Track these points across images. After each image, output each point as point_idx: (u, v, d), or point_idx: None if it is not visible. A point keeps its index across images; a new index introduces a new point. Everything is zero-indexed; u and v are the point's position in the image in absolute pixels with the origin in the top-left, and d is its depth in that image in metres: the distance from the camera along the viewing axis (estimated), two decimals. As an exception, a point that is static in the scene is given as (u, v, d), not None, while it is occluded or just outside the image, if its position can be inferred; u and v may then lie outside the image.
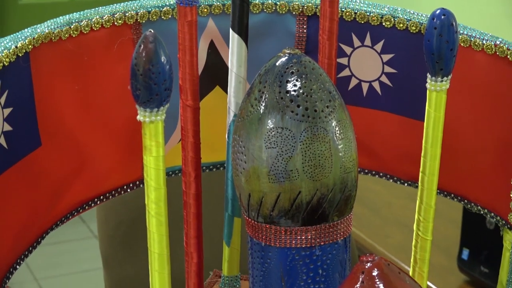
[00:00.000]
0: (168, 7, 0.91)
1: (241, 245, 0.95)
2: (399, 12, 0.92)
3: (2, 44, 0.81)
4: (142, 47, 0.71)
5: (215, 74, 0.95)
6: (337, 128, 0.77)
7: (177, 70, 0.83)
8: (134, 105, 0.74)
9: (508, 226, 0.91)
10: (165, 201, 0.77)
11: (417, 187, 0.89)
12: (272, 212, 0.78)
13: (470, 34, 0.89)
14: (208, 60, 0.95)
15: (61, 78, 0.87)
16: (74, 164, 0.90)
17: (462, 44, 0.89)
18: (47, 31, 0.85)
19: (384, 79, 0.95)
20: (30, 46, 0.83)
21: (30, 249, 0.87)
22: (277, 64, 0.78)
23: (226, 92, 0.91)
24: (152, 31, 0.72)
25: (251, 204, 0.79)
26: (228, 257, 0.95)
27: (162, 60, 0.71)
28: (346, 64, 0.95)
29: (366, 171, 1.00)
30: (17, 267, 0.86)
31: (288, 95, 0.76)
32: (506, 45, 0.87)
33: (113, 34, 0.89)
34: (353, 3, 0.93)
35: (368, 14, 0.93)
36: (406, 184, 0.98)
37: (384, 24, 0.92)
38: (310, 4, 0.94)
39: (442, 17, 0.80)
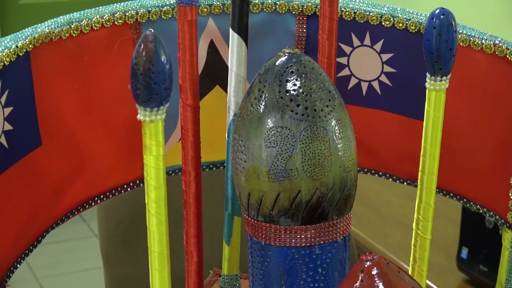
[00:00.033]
0: (168, 7, 0.91)
1: (241, 244, 0.95)
2: (398, 11, 0.92)
3: (3, 43, 0.81)
4: (142, 47, 0.71)
5: (215, 73, 0.95)
6: (336, 128, 0.77)
7: (177, 69, 0.83)
8: (134, 105, 0.74)
9: (507, 225, 0.91)
10: (165, 200, 0.78)
11: (416, 186, 0.89)
12: (271, 211, 0.78)
13: (469, 33, 0.89)
14: (208, 60, 0.95)
15: (62, 78, 0.87)
16: (75, 163, 0.90)
17: (461, 44, 0.89)
18: (47, 30, 0.85)
19: (383, 78, 0.95)
20: (30, 46, 0.83)
21: (31, 248, 0.88)
22: (277, 63, 0.78)
23: (226, 91, 0.91)
24: (152, 30, 0.72)
25: (251, 203, 0.79)
26: (228, 256, 0.95)
27: (162, 60, 0.72)
28: (345, 63, 0.96)
29: (366, 170, 1.00)
30: (18, 266, 0.86)
31: (287, 94, 0.77)
32: (505, 45, 0.87)
33: (113, 34, 0.89)
34: (353, 3, 0.93)
35: (367, 13, 0.93)
36: (405, 183, 0.98)
37: (383, 23, 0.93)
38: (309, 4, 0.95)
39: (442, 16, 0.80)
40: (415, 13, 0.92)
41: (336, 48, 0.91)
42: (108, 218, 1.44)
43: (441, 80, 0.83)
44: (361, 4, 0.93)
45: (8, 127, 0.82)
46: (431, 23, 0.81)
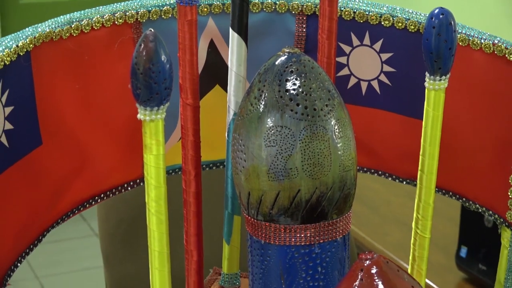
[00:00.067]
0: (168, 7, 0.92)
1: (240, 243, 0.95)
2: (397, 11, 0.92)
3: (3, 43, 0.81)
4: (142, 46, 0.71)
5: (215, 73, 0.95)
6: (336, 127, 0.77)
7: (177, 69, 0.83)
8: (134, 104, 0.74)
9: (506, 224, 0.91)
10: (165, 199, 0.78)
11: (415, 185, 0.89)
12: (271, 210, 0.78)
13: (468, 33, 0.90)
14: (208, 59, 0.95)
15: (62, 77, 0.87)
16: (75, 162, 0.90)
17: (460, 43, 0.89)
18: (48, 30, 0.85)
19: (383, 78, 0.95)
20: (31, 45, 0.83)
21: (31, 247, 0.88)
22: (276, 63, 0.78)
23: (226, 91, 0.91)
24: (153, 30, 0.72)
25: (250, 202, 0.79)
26: (228, 255, 0.95)
27: (162, 59, 0.72)
28: (345, 63, 0.96)
29: (365, 169, 1.00)
30: (18, 265, 0.86)
31: (287, 93, 0.77)
32: (504, 44, 0.87)
33: (113, 33, 0.89)
34: (352, 3, 0.94)
35: (367, 13, 0.93)
36: (405, 183, 0.99)
37: (383, 23, 0.93)
38: (309, 4, 0.95)
39: (441, 16, 0.81)
40: (415, 13, 0.92)
41: (336, 48, 0.91)
42: (108, 217, 1.44)
43: (440, 80, 0.83)
44: (361, 4, 0.93)
45: (8, 126, 0.82)
46: (431, 23, 0.81)
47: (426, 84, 0.84)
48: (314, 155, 0.76)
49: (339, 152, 0.77)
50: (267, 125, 0.77)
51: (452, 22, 0.81)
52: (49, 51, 0.85)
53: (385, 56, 0.94)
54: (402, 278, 0.65)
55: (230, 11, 0.89)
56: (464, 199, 0.95)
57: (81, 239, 2.93)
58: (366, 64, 0.95)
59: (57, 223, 0.91)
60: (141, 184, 0.96)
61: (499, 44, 0.88)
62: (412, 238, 0.89)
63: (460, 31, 0.90)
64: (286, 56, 0.78)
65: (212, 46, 0.95)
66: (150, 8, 0.91)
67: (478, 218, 1.43)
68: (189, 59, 0.84)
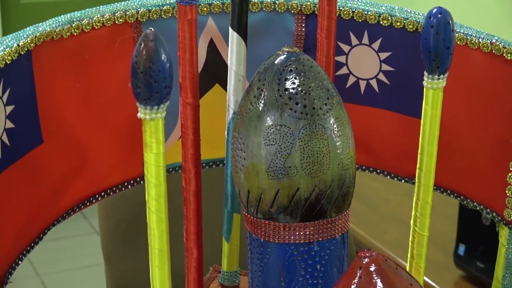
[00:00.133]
0: (168, 6, 0.92)
1: (240, 241, 0.95)
2: (396, 10, 0.93)
3: (4, 42, 0.81)
4: (142, 45, 0.72)
5: (214, 72, 0.96)
6: (335, 126, 0.78)
7: (177, 68, 0.83)
8: (134, 103, 0.74)
9: (504, 222, 0.91)
10: (165, 197, 0.78)
11: (414, 183, 0.89)
12: (271, 208, 0.79)
13: (466, 32, 0.90)
14: (207, 58, 0.95)
15: (63, 76, 0.87)
16: (76, 161, 0.90)
17: (458, 43, 0.90)
18: (48, 29, 0.85)
19: (381, 77, 0.95)
20: (32, 45, 0.83)
21: (32, 244, 0.88)
22: (276, 62, 0.78)
23: (226, 90, 0.92)
24: (153, 29, 0.72)
25: (250, 201, 0.80)
26: (227, 252, 0.96)
27: (163, 58, 0.72)
28: (344, 62, 0.96)
29: (364, 168, 1.00)
30: (19, 262, 0.86)
31: (286, 92, 0.77)
32: (502, 44, 0.88)
33: (114, 33, 0.89)
34: (351, 2, 0.94)
35: (365, 12, 0.93)
36: (403, 181, 0.99)
37: (381, 22, 0.93)
38: (308, 3, 0.95)
39: (439, 15, 0.81)
40: (413, 12, 0.92)
41: (335, 47, 0.91)
42: (109, 215, 1.44)
43: (438, 79, 0.83)
44: (359, 3, 0.94)
45: (9, 125, 0.82)
46: (429, 22, 0.81)
47: (424, 83, 0.84)
48: (313, 153, 0.77)
49: (338, 151, 0.78)
50: (267, 124, 0.77)
51: (450, 22, 0.81)
52: (50, 51, 0.85)
53: (383, 55, 0.94)
54: (401, 275, 0.66)
55: (230, 11, 0.89)
56: (462, 197, 0.95)
57: (82, 237, 2.93)
58: (365, 63, 0.95)
59: (58, 221, 0.91)
60: (141, 182, 0.96)
61: (497, 43, 0.88)
62: (411, 236, 0.90)
63: (458, 30, 0.90)
64: (285, 55, 0.78)
65: (211, 45, 0.95)
66: (150, 8, 0.91)
67: (476, 216, 1.43)
68: (189, 58, 0.84)
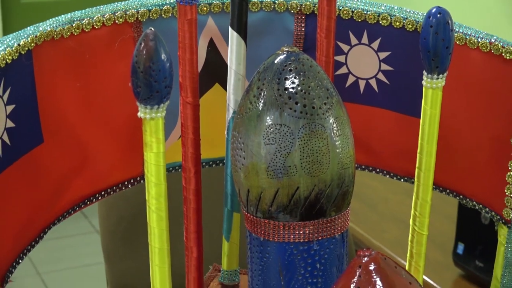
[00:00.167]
0: (168, 6, 0.92)
1: (240, 240, 0.95)
2: (395, 10, 0.93)
3: (5, 42, 0.82)
4: (142, 45, 0.72)
5: (214, 71, 0.96)
6: (334, 125, 0.78)
7: (177, 67, 0.83)
8: (135, 102, 0.74)
9: (503, 221, 0.91)
10: (165, 196, 0.78)
11: (413, 183, 0.89)
12: (270, 208, 0.79)
13: (465, 32, 0.90)
14: (207, 58, 0.95)
15: (63, 76, 0.88)
16: (76, 160, 0.90)
17: (457, 42, 0.90)
18: (49, 29, 0.85)
19: (381, 76, 0.95)
20: (32, 44, 0.83)
21: (33, 243, 0.88)
22: (275, 61, 0.78)
23: (226, 89, 0.92)
24: (153, 29, 0.72)
25: (250, 200, 0.80)
26: (227, 251, 0.96)
27: (163, 58, 0.72)
28: (343, 61, 0.96)
29: (363, 167, 1.00)
30: (20, 261, 0.86)
31: (286, 92, 0.77)
32: (501, 43, 0.88)
33: (114, 32, 0.90)
34: (350, 2, 0.94)
35: (365, 12, 0.94)
36: (402, 180, 0.99)
37: (381, 22, 0.93)
38: (308, 3, 0.95)
39: (438, 15, 0.81)
40: (412, 12, 0.93)
41: (334, 47, 0.92)
42: (109, 214, 1.44)
43: (437, 78, 0.84)
44: (359, 3, 0.94)
45: (10, 124, 0.82)
46: (428, 22, 0.81)
47: (423, 82, 0.84)
48: (312, 153, 0.77)
49: (338, 150, 0.78)
50: (266, 123, 0.77)
51: (450, 21, 0.81)
52: (50, 50, 0.85)
53: (383, 54, 0.94)
54: (400, 274, 0.66)
55: (230, 10, 0.89)
56: (461, 196, 0.96)
57: (82, 236, 2.93)
58: (364, 62, 0.95)
59: (58, 220, 0.91)
60: (142, 181, 0.96)
61: (496, 43, 0.88)
62: (410, 235, 0.90)
63: (457, 30, 0.90)
64: (285, 55, 0.78)
65: (211, 45, 0.95)
66: (150, 7, 0.91)
67: (475, 215, 1.44)
68: (189, 58, 0.84)
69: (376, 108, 0.97)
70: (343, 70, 0.96)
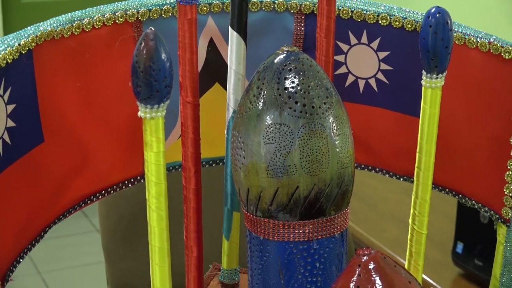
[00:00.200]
0: (168, 6, 0.92)
1: (240, 239, 0.95)
2: (395, 10, 0.93)
3: (6, 41, 0.82)
4: (143, 45, 0.72)
5: (214, 71, 0.96)
6: (334, 124, 0.78)
7: (177, 67, 0.84)
8: (135, 102, 0.74)
9: (502, 220, 0.92)
10: (165, 196, 0.78)
11: (412, 182, 0.89)
12: (270, 207, 0.79)
13: (464, 32, 0.90)
14: (207, 58, 0.96)
15: (64, 76, 0.88)
16: (76, 159, 0.90)
17: (456, 42, 0.90)
18: (49, 29, 0.85)
19: (380, 76, 0.96)
20: (33, 44, 0.83)
21: (33, 242, 0.88)
22: (275, 61, 0.78)
23: (225, 89, 0.92)
24: (153, 29, 0.73)
25: (249, 199, 0.80)
26: (227, 250, 0.96)
27: (163, 58, 0.72)
28: (343, 61, 0.96)
29: (363, 166, 1.00)
30: (21, 260, 0.86)
31: (286, 91, 0.77)
32: (500, 43, 0.88)
33: (114, 32, 0.90)
34: (350, 2, 0.94)
35: (364, 12, 0.94)
36: (402, 179, 0.99)
37: (380, 22, 0.93)
38: (307, 3, 0.95)
39: (437, 15, 0.81)
40: (411, 12, 0.93)
41: (334, 46, 0.92)
42: (109, 213, 1.44)
43: (437, 78, 0.84)
44: (358, 3, 0.94)
45: (11, 124, 0.82)
46: (427, 22, 0.81)
47: (423, 82, 0.84)
48: (312, 152, 0.77)
49: (337, 149, 0.78)
50: (266, 123, 0.77)
51: (449, 21, 0.82)
52: (50, 50, 0.86)
53: (382, 54, 0.94)
54: (399, 273, 0.66)
55: (230, 10, 0.89)
56: (460, 195, 0.96)
57: (83, 235, 2.93)
58: (364, 62, 0.95)
59: (58, 219, 0.91)
60: (142, 181, 0.96)
61: (495, 42, 0.88)
62: (409, 234, 0.90)
63: (456, 29, 0.90)
64: (284, 55, 0.78)
65: (211, 44, 0.95)
66: (150, 7, 0.92)
67: (474, 215, 1.44)
68: (189, 58, 0.84)
69: (375, 108, 0.97)
70: (342, 69, 0.97)
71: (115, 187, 0.95)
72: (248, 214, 0.81)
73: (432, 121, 0.85)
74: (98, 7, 0.90)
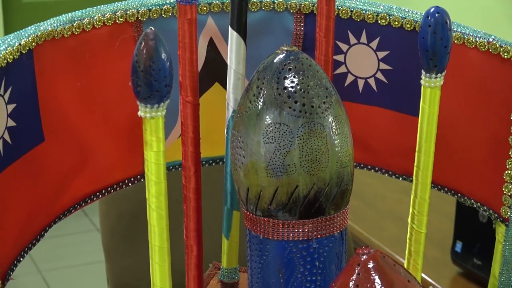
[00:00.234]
0: (168, 5, 0.92)
1: (239, 238, 0.95)
2: (394, 10, 0.93)
3: (6, 41, 0.82)
4: (143, 44, 0.72)
5: (214, 71, 0.96)
6: (333, 124, 0.78)
7: (177, 67, 0.84)
8: (135, 101, 0.74)
9: (501, 219, 0.92)
10: (165, 195, 0.78)
11: (411, 181, 0.89)
12: (270, 206, 0.79)
13: (463, 31, 0.90)
14: (207, 57, 0.96)
15: (64, 75, 0.88)
16: (77, 159, 0.91)
17: (455, 41, 0.90)
18: (50, 28, 0.85)
19: (379, 75, 0.96)
20: (33, 44, 0.84)
21: (34, 241, 0.88)
22: (275, 61, 0.79)
23: (225, 88, 0.92)
24: (153, 28, 0.73)
25: (249, 198, 0.80)
26: (227, 249, 0.96)
27: (163, 57, 0.72)
28: (342, 61, 0.96)
29: (362, 165, 1.01)
30: (21, 259, 0.86)
31: (285, 91, 0.77)
32: (499, 43, 0.88)
33: (114, 32, 0.90)
34: (349, 2, 0.94)
35: (364, 12, 0.94)
36: (401, 178, 0.99)
37: (379, 22, 0.94)
38: (307, 3, 0.95)
39: (436, 15, 0.81)
40: (411, 12, 0.93)
41: (333, 46, 0.92)
42: (109, 212, 1.44)
43: (436, 77, 0.84)
44: (358, 3, 0.94)
45: (11, 123, 0.82)
46: (426, 21, 0.81)
47: (422, 81, 0.85)
48: (312, 151, 0.77)
49: (337, 149, 0.78)
50: (266, 122, 0.77)
51: (448, 21, 0.82)
52: (51, 49, 0.86)
53: (381, 54, 0.95)
54: (398, 272, 0.66)
55: (229, 10, 0.89)
56: (459, 194, 0.96)
57: (83, 234, 2.93)
58: (363, 62, 0.95)
59: (59, 218, 0.91)
60: (142, 180, 0.96)
61: (494, 42, 0.88)
62: (408, 233, 0.90)
63: (455, 29, 0.90)
64: (284, 54, 0.79)
65: (211, 44, 0.95)
66: (150, 7, 0.92)
67: (473, 214, 1.44)
68: (189, 57, 0.84)
69: (374, 107, 0.97)
70: (342, 69, 0.97)
71: (115, 186, 0.95)
72: (248, 213, 0.81)
73: (431, 120, 0.85)
74: (98, 7, 0.90)
